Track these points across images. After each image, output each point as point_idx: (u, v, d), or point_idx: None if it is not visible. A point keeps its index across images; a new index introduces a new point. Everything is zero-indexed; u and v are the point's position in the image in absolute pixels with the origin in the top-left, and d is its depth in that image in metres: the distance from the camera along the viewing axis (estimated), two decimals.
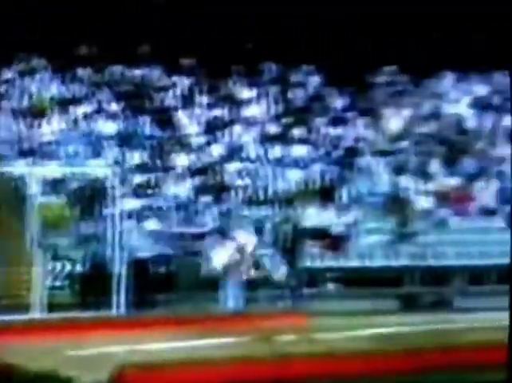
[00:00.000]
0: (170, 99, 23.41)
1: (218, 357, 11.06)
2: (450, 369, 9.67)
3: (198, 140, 22.14)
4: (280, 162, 21.82)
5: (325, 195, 21.01)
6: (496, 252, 20.52)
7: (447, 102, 25.51)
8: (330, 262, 19.38)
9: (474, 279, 18.93)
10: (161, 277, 16.77)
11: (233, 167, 21.29)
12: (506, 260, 19.41)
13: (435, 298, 17.17)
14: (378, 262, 19.60)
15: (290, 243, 17.52)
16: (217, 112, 23.42)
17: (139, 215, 18.41)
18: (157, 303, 16.26)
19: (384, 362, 10.85)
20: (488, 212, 21.72)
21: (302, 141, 22.86)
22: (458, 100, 25.78)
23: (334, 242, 19.82)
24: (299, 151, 22.42)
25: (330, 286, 18.96)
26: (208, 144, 22.13)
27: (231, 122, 23.11)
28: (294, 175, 21.55)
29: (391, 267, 19.23)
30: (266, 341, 12.04)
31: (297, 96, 24.70)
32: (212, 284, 16.70)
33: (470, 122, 24.77)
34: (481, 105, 25.61)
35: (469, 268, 19.31)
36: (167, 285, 16.47)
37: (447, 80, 26.42)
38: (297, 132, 23.22)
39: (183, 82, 23.95)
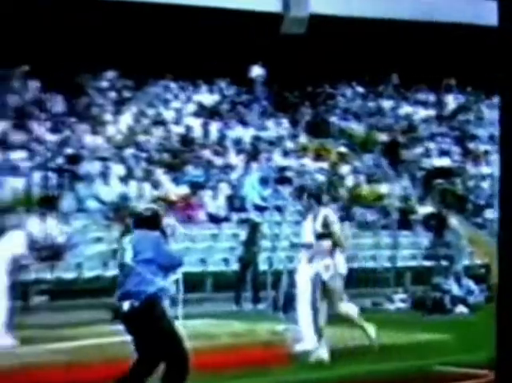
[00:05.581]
0: None
1: None
2: None
3: None
4: None
5: (46, 203, 20.12)
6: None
7: (171, 109, 25.47)
8: (43, 273, 18.51)
9: None
10: None
11: None
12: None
13: None
14: (95, 272, 19.02)
15: None
16: None
17: None
18: None
19: (88, 373, 10.58)
20: (217, 219, 21.86)
21: (21, 147, 21.76)
22: (182, 107, 25.84)
23: (53, 252, 19.06)
24: (17, 157, 21.30)
25: (42, 298, 18.15)
26: None
27: None
28: (12, 183, 20.44)
29: (106, 277, 18.63)
30: None
31: (14, 100, 23.52)
32: None
33: (196, 130, 24.83)
34: (206, 114, 25.80)
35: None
36: None
37: (171, 88, 26.42)
38: (15, 137, 22.06)
39: None
